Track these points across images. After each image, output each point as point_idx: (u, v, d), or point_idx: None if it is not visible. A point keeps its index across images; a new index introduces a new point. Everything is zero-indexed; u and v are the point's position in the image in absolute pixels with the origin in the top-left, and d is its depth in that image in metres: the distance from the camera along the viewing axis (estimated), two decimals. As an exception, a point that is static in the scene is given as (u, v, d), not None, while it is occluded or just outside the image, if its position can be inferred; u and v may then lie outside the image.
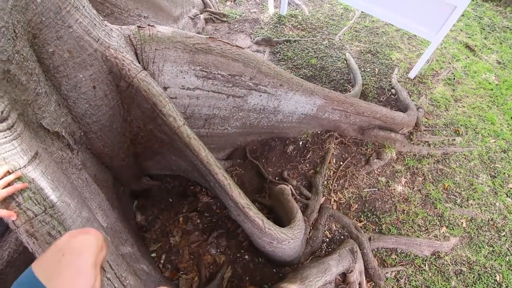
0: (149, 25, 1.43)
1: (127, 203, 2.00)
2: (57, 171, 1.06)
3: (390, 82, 3.08)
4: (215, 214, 2.14)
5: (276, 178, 2.39)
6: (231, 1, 4.00)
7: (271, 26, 3.67)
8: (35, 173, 0.89)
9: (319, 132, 2.65)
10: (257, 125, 2.38)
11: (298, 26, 3.68)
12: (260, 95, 2.12)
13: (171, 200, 2.19)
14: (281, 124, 2.45)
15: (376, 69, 3.24)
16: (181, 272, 1.89)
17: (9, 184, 0.83)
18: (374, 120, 2.52)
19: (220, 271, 1.89)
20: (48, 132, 1.11)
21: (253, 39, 3.51)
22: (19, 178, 0.84)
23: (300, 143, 2.59)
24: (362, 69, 3.23)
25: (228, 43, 1.72)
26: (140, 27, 1.40)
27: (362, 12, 3.84)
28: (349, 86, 3.07)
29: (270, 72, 1.98)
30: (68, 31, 1.07)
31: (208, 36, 1.64)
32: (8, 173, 0.84)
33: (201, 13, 3.59)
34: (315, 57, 3.31)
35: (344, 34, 3.64)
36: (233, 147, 2.54)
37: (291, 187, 2.27)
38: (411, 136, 2.63)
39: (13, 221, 0.80)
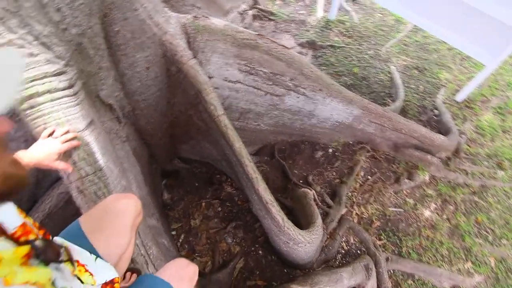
0: (204, 16, 1.49)
1: (157, 181, 2.11)
2: (106, 139, 1.16)
3: (434, 102, 2.94)
4: (236, 205, 2.20)
5: (301, 181, 2.39)
6: (280, 0, 4.02)
7: (317, 30, 3.65)
8: (90, 138, 0.98)
9: (351, 142, 2.60)
10: (289, 125, 2.39)
11: (345, 32, 3.62)
12: (298, 97, 2.13)
13: (197, 184, 2.27)
14: (313, 128, 2.44)
15: (421, 87, 3.11)
16: (196, 254, 1.96)
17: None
18: (411, 138, 2.43)
19: (233, 261, 1.94)
20: (103, 103, 1.21)
21: (298, 40, 3.51)
22: (76, 138, 0.94)
23: (330, 150, 2.56)
24: (406, 85, 3.12)
25: (275, 42, 1.75)
26: (196, 17, 1.47)
27: (414, 25, 3.69)
28: (389, 100, 2.98)
29: (311, 76, 1.99)
30: (133, 14, 1.16)
31: (257, 33, 1.68)
32: (68, 132, 0.93)
33: (250, 9, 3.66)
34: (358, 66, 3.24)
35: (392, 46, 3.52)
36: (263, 143, 2.57)
37: (314, 192, 2.27)
38: (449, 162, 2.50)
39: (67, 176, 0.90)
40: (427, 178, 2.43)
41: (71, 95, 0.94)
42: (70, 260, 0.69)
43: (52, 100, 0.86)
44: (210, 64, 1.69)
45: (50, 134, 0.89)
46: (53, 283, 0.59)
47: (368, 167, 2.50)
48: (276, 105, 2.16)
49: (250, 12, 3.60)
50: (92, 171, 0.92)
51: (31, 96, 0.83)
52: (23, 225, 0.63)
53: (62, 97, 0.88)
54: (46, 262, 0.61)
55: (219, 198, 2.21)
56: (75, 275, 0.69)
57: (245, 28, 3.47)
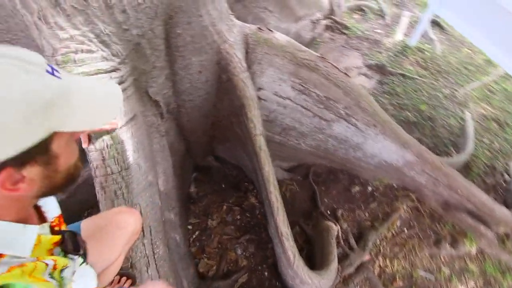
0: (268, 29, 1.44)
1: (188, 173, 2.16)
2: (144, 134, 1.20)
3: (508, 166, 2.53)
4: (255, 218, 2.16)
5: (328, 212, 2.26)
6: (359, 15, 3.79)
7: (390, 54, 3.37)
8: (126, 135, 1.01)
9: (395, 185, 2.37)
10: (332, 152, 2.26)
11: (422, 63, 3.28)
12: (348, 127, 1.99)
13: (223, 186, 2.28)
14: (357, 161, 2.27)
15: (496, 144, 2.70)
16: (204, 255, 1.98)
17: None
18: (466, 202, 2.13)
19: (237, 273, 1.91)
20: (150, 98, 1.25)
21: (366, 61, 3.28)
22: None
23: (369, 188, 2.37)
24: (478, 138, 2.73)
25: (336, 67, 1.63)
26: (260, 28, 1.43)
27: (506, 73, 3.20)
28: (453, 150, 2.64)
29: (368, 109, 1.83)
30: (197, 19, 1.16)
31: (319, 55, 1.58)
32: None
33: (324, 19, 3.51)
34: (426, 104, 2.93)
35: (473, 90, 3.11)
36: (299, 162, 2.48)
37: (339, 229, 2.12)
38: (506, 240, 2.14)
39: (94, 170, 0.94)
40: (473, 250, 2.11)
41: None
42: (85, 254, 0.73)
43: (98, 97, 0.89)
44: (263, 76, 1.65)
45: None
46: (61, 270, 0.61)
47: (407, 219, 2.26)
48: (322, 129, 2.05)
49: (323, 22, 3.46)
50: (118, 170, 0.95)
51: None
52: (60, 216, 0.68)
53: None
54: (66, 252, 0.65)
55: (241, 206, 2.19)
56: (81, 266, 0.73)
57: (314, 37, 3.35)
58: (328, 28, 3.56)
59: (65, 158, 0.51)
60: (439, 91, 3.05)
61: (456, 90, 3.07)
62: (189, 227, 2.07)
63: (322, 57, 1.60)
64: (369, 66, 3.23)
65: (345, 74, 1.67)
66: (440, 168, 2.03)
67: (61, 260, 0.59)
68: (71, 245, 0.66)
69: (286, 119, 1.99)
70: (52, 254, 0.60)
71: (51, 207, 0.67)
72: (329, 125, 2.01)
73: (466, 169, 2.54)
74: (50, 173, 0.49)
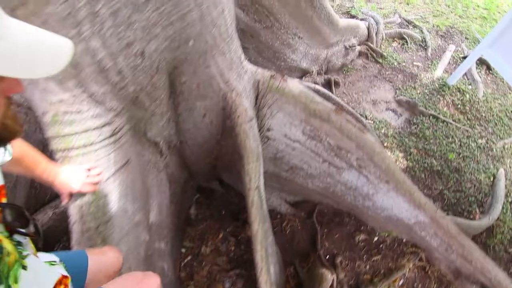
0: (283, 76, 1.38)
1: (190, 196, 2.16)
2: (137, 175, 1.19)
3: (539, 240, 2.27)
4: (249, 253, 2.11)
5: (327, 257, 2.16)
6: (400, 44, 3.56)
7: (426, 91, 3.14)
8: (113, 185, 1.01)
9: (404, 240, 2.22)
10: (340, 196, 2.14)
11: (459, 105, 3.02)
12: (359, 177, 1.87)
13: (223, 212, 2.26)
14: (366, 209, 2.14)
15: (530, 211, 2.43)
16: (192, 281, 1.98)
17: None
18: (480, 275, 1.93)
19: (221, 307, 1.89)
20: (148, 140, 1.24)
21: (397, 95, 3.08)
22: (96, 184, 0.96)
23: (375, 238, 2.24)
24: (509, 199, 2.47)
25: (350, 122, 1.53)
26: (273, 76, 1.37)
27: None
28: (476, 211, 2.42)
29: (381, 165, 1.71)
30: (204, 70, 1.12)
31: (335, 108, 1.49)
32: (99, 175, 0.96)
33: (359, 45, 3.34)
34: (456, 153, 2.70)
35: (514, 144, 2.81)
36: (305, 198, 2.39)
37: (335, 278, 2.02)
38: (521, 326, 1.92)
39: (71, 224, 0.94)
40: (481, 331, 1.92)
41: (111, 143, 0.97)
42: (36, 240, 0.67)
43: (84, 154, 0.89)
44: (273, 119, 1.59)
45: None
46: (19, 242, 0.58)
47: (412, 279, 2.10)
48: (331, 174, 1.94)
49: (358, 48, 3.29)
50: (96, 226, 0.94)
51: (65, 148, 0.88)
52: (2, 187, 0.62)
53: (97, 150, 0.91)
54: (11, 232, 0.59)
55: (237, 237, 2.16)
56: (36, 256, 0.67)
57: (344, 64, 3.21)
58: (362, 54, 3.39)
59: None
60: (474, 140, 2.79)
61: (493, 142, 2.79)
62: (183, 250, 2.08)
63: (337, 110, 1.50)
64: (400, 102, 3.03)
65: (359, 129, 1.56)
66: (455, 237, 1.85)
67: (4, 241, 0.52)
68: (19, 221, 0.59)
69: (294, 159, 1.91)
70: None
71: None
72: (338, 172, 1.91)
73: (488, 233, 2.32)
74: None
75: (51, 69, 0.48)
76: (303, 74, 2.93)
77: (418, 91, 3.13)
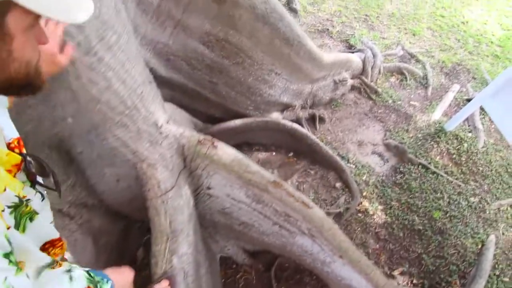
0: (211, 143, 1.21)
1: (136, 238, 2.02)
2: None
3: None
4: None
5: (278, 319, 1.96)
6: (398, 79, 3.32)
7: (419, 135, 2.88)
8: None
9: (367, 311, 1.99)
10: (298, 256, 1.94)
11: (455, 156, 2.75)
12: (312, 244, 1.68)
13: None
14: (325, 273, 1.94)
15: (519, 291, 2.14)
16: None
17: None
18: None
19: None
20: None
21: (386, 138, 2.85)
22: None
23: (335, 305, 2.02)
24: (496, 272, 2.20)
25: (293, 196, 1.34)
26: (201, 141, 1.20)
27: None
28: (457, 282, 2.15)
29: (332, 241, 1.51)
30: (101, 142, 0.98)
31: (272, 180, 1.31)
32: None
33: (352, 78, 3.13)
34: (442, 211, 2.43)
35: (511, 206, 2.52)
36: (265, 249, 2.20)
37: None
38: None
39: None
40: None
41: None
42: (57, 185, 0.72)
43: None
44: (211, 178, 1.42)
45: None
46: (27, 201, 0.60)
47: None
48: (284, 236, 1.76)
49: (350, 82, 3.08)
50: None
51: None
52: (19, 139, 0.65)
53: None
54: (32, 182, 0.63)
55: None
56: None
57: (332, 98, 3.00)
58: (355, 88, 3.17)
59: (22, 47, 0.48)
60: (465, 198, 2.52)
61: (487, 202, 2.51)
62: None
63: (276, 182, 1.32)
64: (388, 146, 2.80)
65: (304, 204, 1.37)
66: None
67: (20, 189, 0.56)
68: (38, 168, 0.63)
69: (243, 217, 1.73)
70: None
71: (7, 126, 0.63)
72: (291, 235, 1.72)
73: (468, 311, 2.05)
74: (3, 52, 0.47)
75: (83, 15, 0.50)
76: (284, 108, 2.76)
77: (411, 135, 2.88)
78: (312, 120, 2.90)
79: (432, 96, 3.20)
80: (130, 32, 1.00)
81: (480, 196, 2.54)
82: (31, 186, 0.62)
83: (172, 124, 1.20)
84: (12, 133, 0.64)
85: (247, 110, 2.49)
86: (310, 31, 3.76)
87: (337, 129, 2.91)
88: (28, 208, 0.58)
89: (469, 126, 2.97)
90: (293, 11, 4.00)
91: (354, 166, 2.64)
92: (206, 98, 2.26)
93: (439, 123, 2.96)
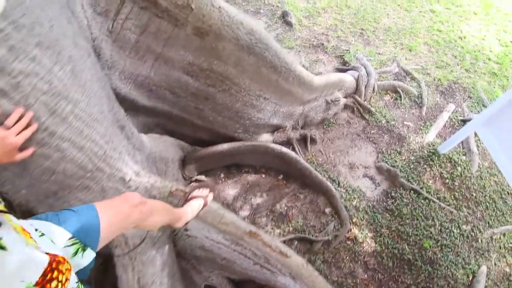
0: (185, 194, 1.16)
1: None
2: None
3: None
4: None
5: None
6: (393, 98, 3.26)
7: (412, 158, 2.83)
8: None
9: None
10: (281, 290, 1.91)
11: (448, 180, 2.70)
12: (295, 285, 1.63)
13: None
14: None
15: (509, 326, 2.09)
16: None
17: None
18: None
19: None
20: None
21: (379, 160, 2.79)
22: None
23: None
24: (488, 306, 2.15)
25: (270, 246, 1.30)
26: (172, 193, 1.15)
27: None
28: (445, 317, 2.10)
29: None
30: (61, 205, 0.93)
31: (248, 230, 1.26)
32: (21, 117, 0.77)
33: (345, 97, 3.08)
34: (433, 240, 2.38)
35: (504, 235, 2.47)
36: (244, 278, 2.16)
37: None
38: None
39: None
40: None
41: None
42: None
43: None
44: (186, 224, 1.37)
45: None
46: None
47: None
48: (266, 274, 1.71)
49: (343, 101, 3.03)
50: None
51: None
52: None
53: None
54: None
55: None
56: (15, 229, 0.62)
57: (324, 118, 2.94)
58: (348, 107, 3.12)
59: None
60: (457, 225, 2.47)
61: (479, 231, 2.46)
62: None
63: (252, 233, 1.27)
64: (380, 169, 2.74)
65: (281, 253, 1.32)
66: None
67: None
68: None
69: (224, 254, 1.69)
70: None
71: None
72: (273, 274, 1.67)
73: None
74: None
75: None
76: (274, 129, 2.71)
77: (403, 157, 2.83)
78: (303, 141, 2.85)
79: (427, 116, 3.14)
80: (95, 88, 0.96)
81: (472, 224, 2.49)
82: None
83: (143, 175, 1.15)
84: None
85: (236, 133, 2.44)
86: (305, 46, 3.71)
87: (329, 150, 2.86)
88: None
89: (463, 148, 2.92)
90: (288, 24, 3.94)
91: (344, 191, 2.59)
92: (192, 123, 2.21)
93: (433, 145, 2.90)
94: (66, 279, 0.64)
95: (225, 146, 2.35)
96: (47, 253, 0.62)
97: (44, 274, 0.59)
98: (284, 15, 4.03)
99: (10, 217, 0.62)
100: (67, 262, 0.66)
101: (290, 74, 2.13)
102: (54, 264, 0.62)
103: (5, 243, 0.54)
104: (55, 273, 0.61)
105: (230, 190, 2.57)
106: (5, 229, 0.58)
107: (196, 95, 1.98)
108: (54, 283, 0.60)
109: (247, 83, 2.05)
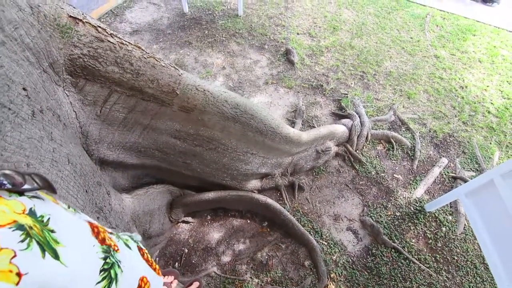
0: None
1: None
2: None
3: None
4: None
5: None
6: (384, 148, 3.30)
7: (398, 214, 2.86)
8: None
9: None
10: None
11: (431, 241, 2.72)
12: None
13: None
14: None
15: None
16: None
17: None
18: None
19: None
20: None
21: (364, 214, 2.84)
22: None
23: None
24: None
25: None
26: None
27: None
28: None
29: None
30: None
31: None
32: None
33: (338, 145, 3.14)
34: (409, 303, 2.41)
35: (482, 304, 2.47)
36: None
37: None
38: None
39: None
40: None
41: None
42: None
43: None
44: None
45: None
46: (31, 211, 0.54)
47: None
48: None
49: (334, 149, 3.09)
50: None
51: None
52: None
53: None
54: (19, 192, 0.55)
55: None
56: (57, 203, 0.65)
57: (314, 166, 3.01)
58: (339, 155, 3.18)
59: None
60: (436, 290, 2.49)
61: (457, 297, 2.47)
62: None
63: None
64: (364, 223, 2.79)
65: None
66: None
67: (11, 207, 0.50)
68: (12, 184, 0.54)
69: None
70: None
71: None
72: None
73: None
74: None
75: None
76: (263, 176, 2.79)
77: (389, 213, 2.86)
78: (291, 188, 2.92)
79: (418, 170, 3.17)
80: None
81: (451, 289, 2.50)
82: (21, 195, 0.56)
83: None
84: None
85: (224, 180, 2.54)
86: (304, 86, 3.79)
87: (316, 199, 2.92)
88: (36, 229, 0.51)
89: (450, 207, 2.93)
90: (291, 62, 4.05)
91: (326, 243, 2.64)
92: (181, 173, 2.32)
93: (420, 202, 2.93)
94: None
95: (211, 195, 2.45)
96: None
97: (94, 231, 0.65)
98: (288, 53, 4.13)
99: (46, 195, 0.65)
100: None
101: (276, 136, 2.22)
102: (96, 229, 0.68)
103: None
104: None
105: (215, 233, 2.66)
106: (48, 206, 0.59)
107: (184, 153, 2.09)
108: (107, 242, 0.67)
109: (233, 143, 2.15)
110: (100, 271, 0.53)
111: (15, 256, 0.43)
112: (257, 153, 2.39)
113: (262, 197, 2.54)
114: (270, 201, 2.55)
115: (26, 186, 0.56)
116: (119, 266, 0.58)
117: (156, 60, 1.47)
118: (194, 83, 1.55)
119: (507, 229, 2.01)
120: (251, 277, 2.46)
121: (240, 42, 4.32)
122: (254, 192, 2.62)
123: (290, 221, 2.56)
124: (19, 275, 0.42)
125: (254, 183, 2.76)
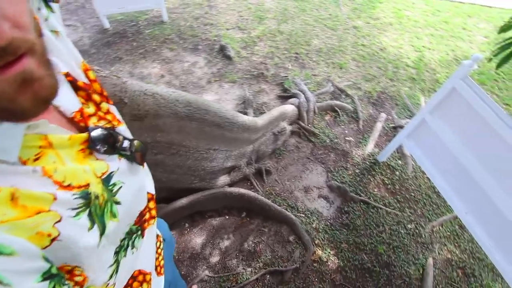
0: None
1: None
2: None
3: None
4: None
5: None
6: (332, 117, 3.58)
7: (357, 171, 3.14)
8: None
9: None
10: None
11: (389, 186, 3.05)
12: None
13: None
14: None
15: (457, 308, 2.44)
16: None
17: None
18: None
19: None
20: None
21: (329, 179, 3.06)
22: None
23: None
24: (438, 293, 2.47)
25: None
26: None
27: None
28: (406, 313, 2.39)
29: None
30: None
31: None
32: None
33: (291, 124, 3.31)
34: (386, 244, 2.68)
35: (442, 226, 2.85)
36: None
37: None
38: None
39: None
40: None
41: None
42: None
43: None
44: None
45: None
46: (109, 176, 0.53)
47: None
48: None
49: (289, 128, 3.26)
50: None
51: None
52: (80, 110, 0.55)
53: None
54: (110, 152, 0.56)
55: None
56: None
57: (276, 148, 3.13)
58: (295, 133, 3.36)
59: None
60: (403, 226, 2.80)
61: (422, 227, 2.82)
62: None
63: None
64: (331, 187, 3.01)
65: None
66: None
67: (94, 168, 0.50)
68: (105, 143, 0.54)
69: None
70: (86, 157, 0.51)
71: (65, 100, 0.52)
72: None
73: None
74: None
75: None
76: (230, 170, 2.83)
77: (350, 172, 3.13)
78: (259, 174, 3.01)
79: (364, 129, 3.50)
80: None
81: (415, 222, 2.84)
82: (114, 153, 0.56)
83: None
84: (74, 106, 0.54)
85: (193, 184, 2.53)
86: (246, 77, 3.90)
87: (284, 178, 3.06)
88: (101, 199, 0.50)
89: (398, 153, 3.30)
90: (228, 58, 4.11)
91: (304, 215, 2.79)
92: (147, 187, 2.25)
93: (373, 155, 3.25)
94: None
95: (184, 201, 2.42)
96: None
97: None
98: (223, 49, 4.20)
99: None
100: None
101: (233, 126, 2.27)
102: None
103: None
104: None
105: (197, 238, 2.64)
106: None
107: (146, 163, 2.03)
108: None
109: (194, 143, 2.15)
110: (114, 254, 0.54)
111: (59, 221, 0.42)
112: (219, 148, 2.42)
113: (235, 189, 2.59)
114: (243, 190, 2.61)
115: None
116: (125, 249, 0.59)
117: (95, 72, 1.40)
118: (141, 88, 1.53)
119: (445, 154, 2.35)
120: (243, 268, 2.50)
121: (173, 48, 4.25)
122: (226, 187, 2.65)
123: (266, 204, 2.65)
124: (53, 239, 0.40)
125: (223, 179, 2.78)
